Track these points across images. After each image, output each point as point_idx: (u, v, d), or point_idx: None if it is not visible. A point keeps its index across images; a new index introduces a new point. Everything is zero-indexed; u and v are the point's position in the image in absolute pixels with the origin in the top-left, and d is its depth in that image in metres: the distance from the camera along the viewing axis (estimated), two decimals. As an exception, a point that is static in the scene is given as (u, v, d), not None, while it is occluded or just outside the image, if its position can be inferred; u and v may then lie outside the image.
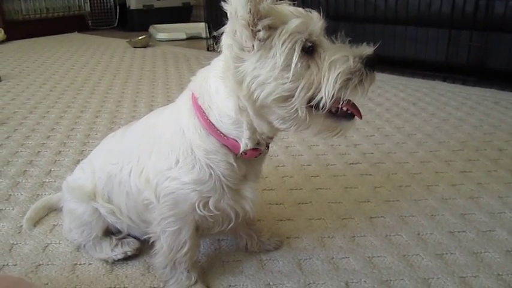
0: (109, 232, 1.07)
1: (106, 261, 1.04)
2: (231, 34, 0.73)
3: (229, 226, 0.92)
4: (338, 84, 0.73)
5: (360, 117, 0.79)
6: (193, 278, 0.95)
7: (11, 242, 1.13)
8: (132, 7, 4.54)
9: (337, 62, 0.73)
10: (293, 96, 0.73)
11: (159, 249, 0.93)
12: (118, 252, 1.03)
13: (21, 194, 1.35)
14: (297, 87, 0.73)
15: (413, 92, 2.34)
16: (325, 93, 0.73)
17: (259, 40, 0.71)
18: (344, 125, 0.79)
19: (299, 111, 0.74)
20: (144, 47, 3.65)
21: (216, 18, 3.31)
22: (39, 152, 1.66)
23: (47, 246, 1.11)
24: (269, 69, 0.72)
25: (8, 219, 1.22)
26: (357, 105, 0.80)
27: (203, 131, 0.82)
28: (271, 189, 1.36)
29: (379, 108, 2.10)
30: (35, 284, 0.84)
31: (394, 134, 1.78)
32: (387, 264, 1.03)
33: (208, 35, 3.47)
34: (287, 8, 0.75)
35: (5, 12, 4.09)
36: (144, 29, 4.37)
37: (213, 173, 0.83)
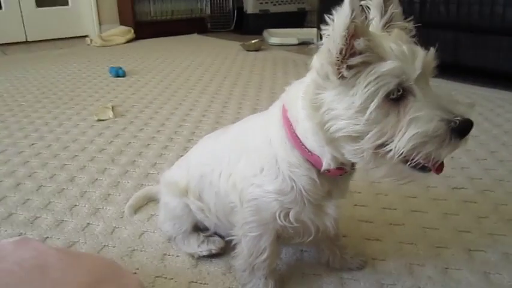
0: (197, 228, 1.13)
1: (192, 255, 1.09)
2: (319, 61, 0.71)
3: (309, 239, 0.90)
4: (410, 145, 0.67)
5: (438, 173, 0.72)
6: (270, 286, 0.96)
7: (114, 225, 1.24)
8: (249, 11, 4.70)
9: (419, 120, 0.67)
10: (362, 139, 0.70)
11: (239, 252, 0.95)
12: (204, 249, 1.08)
13: (128, 182, 1.48)
14: (368, 132, 0.69)
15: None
16: (395, 147, 0.68)
17: (343, 78, 0.68)
18: (415, 176, 0.72)
19: (364, 154, 0.71)
20: (257, 51, 3.76)
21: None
22: (148, 144, 1.80)
23: (142, 234, 1.20)
24: (345, 107, 0.69)
25: (114, 204, 1.34)
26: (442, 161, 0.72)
27: (288, 143, 0.82)
28: (363, 206, 1.31)
29: (497, 129, 1.90)
30: (125, 268, 0.92)
31: (510, 160, 1.60)
32: (482, 305, 0.93)
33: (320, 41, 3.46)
34: (390, 45, 0.69)
35: (135, 13, 4.51)
36: (259, 32, 4.49)
37: (295, 185, 0.83)
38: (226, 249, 1.10)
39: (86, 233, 1.20)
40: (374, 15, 0.78)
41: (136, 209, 1.31)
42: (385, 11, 0.77)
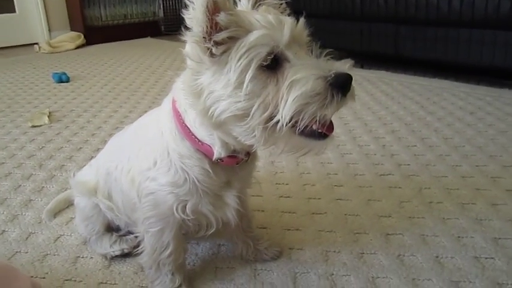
0: (111, 229, 1.09)
1: (105, 256, 1.06)
2: (189, 45, 0.70)
3: (211, 230, 0.89)
4: (294, 109, 0.66)
5: (330, 133, 0.71)
6: (177, 281, 0.93)
7: (30, 230, 1.19)
8: (202, 13, 4.68)
9: (298, 82, 0.66)
10: (248, 116, 0.68)
11: (143, 248, 0.93)
12: (116, 249, 1.05)
13: (53, 187, 1.43)
14: (251, 107, 0.67)
15: (475, 100, 2.14)
16: (281, 116, 0.67)
17: (213, 55, 0.67)
18: (312, 145, 0.71)
19: (256, 132, 0.69)
20: (207, 51, 3.74)
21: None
22: (80, 148, 1.75)
23: (58, 238, 1.15)
24: (223, 86, 0.68)
25: (34, 210, 1.29)
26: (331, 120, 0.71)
27: (178, 134, 0.80)
28: (288, 197, 1.31)
29: (430, 116, 1.94)
30: (22, 272, 0.88)
31: (439, 145, 1.63)
32: (391, 287, 0.93)
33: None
34: (255, 16, 0.69)
35: (86, 18, 4.42)
36: (213, 34, 4.47)
37: (187, 177, 0.81)
38: (143, 248, 1.08)
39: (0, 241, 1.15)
40: None
41: (56, 213, 1.26)
42: None
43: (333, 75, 0.66)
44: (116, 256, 1.05)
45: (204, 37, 0.66)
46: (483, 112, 1.97)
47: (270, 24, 0.68)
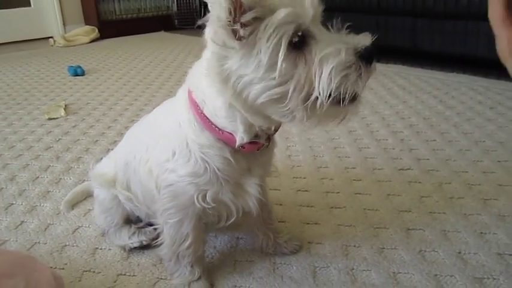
0: (130, 221, 1.09)
1: (124, 248, 1.06)
2: (212, 30, 0.67)
3: (232, 220, 0.88)
4: (335, 83, 0.65)
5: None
6: (196, 274, 0.93)
7: (48, 222, 1.20)
8: (215, 7, 4.66)
9: (329, 56, 0.66)
10: (285, 98, 0.67)
11: (163, 240, 0.93)
12: (134, 241, 1.05)
13: (70, 179, 1.44)
14: (287, 89, 0.66)
15: (495, 95, 2.10)
16: (319, 93, 0.66)
17: (240, 38, 0.65)
18: (350, 109, 0.71)
19: (295, 112, 0.69)
20: (221, 45, 3.72)
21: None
22: (97, 141, 1.75)
23: (77, 229, 1.16)
24: (253, 69, 0.66)
25: (52, 201, 1.30)
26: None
27: (197, 125, 0.79)
28: (306, 191, 1.30)
29: (449, 111, 1.91)
30: (43, 263, 0.88)
31: (459, 140, 1.60)
32: (413, 283, 0.92)
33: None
34: None
35: (100, 12, 4.43)
36: (226, 28, 4.45)
37: (208, 166, 0.80)
38: (161, 240, 1.07)
39: (18, 231, 1.16)
40: None
41: (74, 204, 1.27)
42: None
43: (363, 48, 0.66)
44: (135, 248, 1.05)
45: (229, 20, 0.64)
46: (503, 107, 1.93)
47: (293, 2, 0.66)
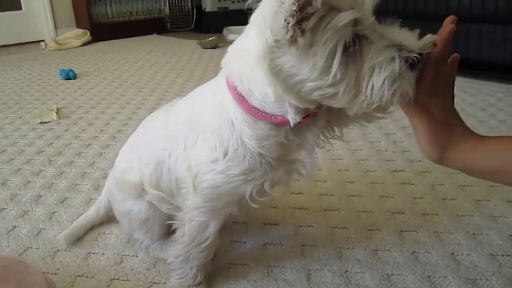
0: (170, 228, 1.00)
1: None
2: (268, 19, 0.62)
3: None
4: (381, 95, 0.64)
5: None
6: (198, 279, 0.92)
7: (40, 226, 1.19)
8: (208, 9, 4.67)
9: (382, 64, 0.64)
10: (336, 95, 0.66)
11: (179, 236, 0.90)
12: None
13: (62, 183, 1.43)
14: (338, 91, 0.65)
15: (486, 96, 2.12)
16: (367, 97, 0.65)
17: (299, 38, 0.61)
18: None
19: (347, 109, 0.69)
20: (213, 48, 3.73)
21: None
22: (89, 144, 1.74)
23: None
24: (308, 70, 0.64)
25: (44, 205, 1.29)
26: None
27: (250, 118, 0.76)
28: (300, 193, 1.30)
29: (441, 113, 1.92)
30: (36, 268, 0.87)
31: (451, 142, 1.61)
32: (406, 285, 0.92)
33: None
34: None
35: (92, 15, 4.41)
36: (219, 30, 4.45)
37: (263, 160, 0.78)
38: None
39: (10, 236, 1.15)
40: None
41: (77, 238, 1.14)
42: None
43: (413, 56, 0.64)
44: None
45: (288, 24, 0.60)
46: (494, 108, 1.95)
47: (354, 3, 0.63)
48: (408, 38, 0.66)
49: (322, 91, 0.66)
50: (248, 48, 0.70)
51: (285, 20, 0.59)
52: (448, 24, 0.72)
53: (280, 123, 0.76)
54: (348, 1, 0.62)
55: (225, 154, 0.78)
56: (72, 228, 1.14)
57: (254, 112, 0.75)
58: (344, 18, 0.61)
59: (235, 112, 0.77)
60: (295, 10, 0.58)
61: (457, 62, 0.75)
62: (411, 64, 0.64)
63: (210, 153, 0.80)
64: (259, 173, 0.79)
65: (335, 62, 0.62)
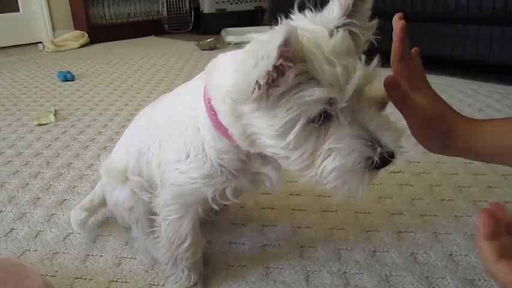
0: None
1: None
2: (235, 78, 0.61)
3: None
4: (331, 178, 0.62)
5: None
6: (193, 279, 0.92)
7: (39, 228, 1.18)
8: (206, 11, 4.67)
9: (340, 152, 0.61)
10: (288, 159, 0.65)
11: (160, 240, 0.91)
12: None
13: (61, 185, 1.42)
14: (291, 156, 0.64)
15: (483, 97, 2.12)
16: (317, 175, 0.63)
17: (267, 99, 0.60)
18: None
19: (292, 169, 0.67)
20: (212, 50, 3.73)
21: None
22: (87, 146, 1.74)
23: (68, 236, 1.15)
24: (266, 127, 0.63)
25: (42, 208, 1.29)
26: None
27: (215, 131, 0.77)
28: (298, 195, 1.30)
29: (439, 114, 1.92)
30: (34, 271, 0.87)
31: (449, 143, 1.62)
32: (405, 285, 0.92)
33: (273, 38, 3.45)
34: (323, 65, 0.58)
35: (89, 17, 4.41)
36: (217, 32, 4.45)
37: (224, 170, 0.79)
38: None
39: (8, 239, 1.14)
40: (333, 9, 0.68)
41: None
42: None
43: (378, 156, 0.60)
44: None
45: (255, 88, 0.58)
46: (492, 109, 1.95)
47: (335, 81, 0.59)
48: (378, 129, 0.62)
49: (275, 150, 0.65)
50: (223, 80, 0.69)
51: (256, 81, 0.57)
52: (398, 21, 0.73)
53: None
54: (329, 78, 0.58)
55: (187, 156, 0.80)
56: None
57: (220, 128, 0.75)
58: (314, 94, 0.58)
59: (203, 121, 0.78)
60: (268, 75, 0.56)
61: (418, 54, 0.77)
62: (376, 165, 0.61)
63: (175, 152, 0.82)
64: (219, 180, 0.80)
65: (292, 132, 0.61)
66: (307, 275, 0.96)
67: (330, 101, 0.59)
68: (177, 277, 0.93)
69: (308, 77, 0.59)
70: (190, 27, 5.01)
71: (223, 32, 4.41)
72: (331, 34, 0.63)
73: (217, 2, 4.67)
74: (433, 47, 2.48)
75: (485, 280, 0.93)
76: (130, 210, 1.01)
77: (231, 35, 4.23)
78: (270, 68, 0.55)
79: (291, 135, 0.61)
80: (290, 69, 0.56)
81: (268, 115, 0.62)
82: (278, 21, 0.60)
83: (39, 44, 4.19)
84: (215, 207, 0.86)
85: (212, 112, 0.75)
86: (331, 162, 0.62)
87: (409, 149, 1.57)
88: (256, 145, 0.69)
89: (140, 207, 0.99)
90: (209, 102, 0.76)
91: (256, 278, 0.96)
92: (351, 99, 0.61)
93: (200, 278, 0.94)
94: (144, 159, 0.94)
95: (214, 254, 1.05)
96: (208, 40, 3.77)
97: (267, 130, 0.63)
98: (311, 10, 0.69)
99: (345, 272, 0.97)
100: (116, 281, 0.97)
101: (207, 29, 4.65)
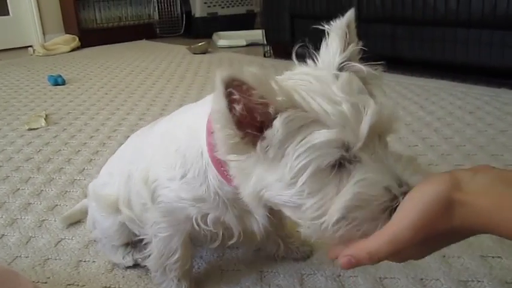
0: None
1: (118, 265, 1.02)
2: (219, 131, 0.58)
3: (231, 242, 0.84)
4: (343, 207, 0.55)
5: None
6: (183, 287, 0.92)
7: (30, 234, 1.17)
8: (197, 15, 4.67)
9: (362, 182, 0.55)
10: (299, 209, 0.59)
11: (150, 252, 0.91)
12: (128, 260, 1.01)
13: (52, 190, 1.41)
14: (304, 204, 0.58)
15: (473, 100, 2.14)
16: (329, 214, 0.56)
17: (266, 148, 0.57)
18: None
19: (301, 222, 0.60)
20: (203, 53, 3.73)
21: (273, 25, 3.29)
22: (79, 151, 1.73)
23: (59, 242, 1.13)
24: (277, 179, 0.58)
25: (33, 213, 1.27)
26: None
27: (218, 177, 0.73)
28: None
29: (430, 116, 1.94)
30: (25, 278, 0.86)
31: (440, 145, 1.63)
32: None
33: (265, 42, 3.46)
34: (323, 105, 0.55)
35: (80, 21, 4.39)
36: (209, 36, 4.46)
37: (218, 197, 0.76)
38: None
39: (-1, 245, 1.13)
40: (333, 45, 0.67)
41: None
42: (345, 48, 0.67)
43: (401, 196, 0.54)
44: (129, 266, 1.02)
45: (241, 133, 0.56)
46: (482, 111, 1.97)
47: (344, 120, 0.54)
48: (406, 171, 0.56)
49: (286, 198, 0.59)
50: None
51: (229, 139, 0.56)
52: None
53: None
54: (335, 118, 0.54)
55: (183, 176, 0.76)
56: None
57: (217, 165, 0.72)
58: (322, 136, 0.54)
59: (205, 147, 0.74)
60: (235, 126, 0.55)
61: None
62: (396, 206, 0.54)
63: (168, 169, 0.78)
64: (207, 205, 0.77)
65: (302, 178, 0.56)
66: (302, 279, 0.96)
67: (344, 145, 0.55)
68: (167, 285, 0.92)
69: (310, 121, 0.55)
70: (182, 31, 5.00)
71: (214, 36, 4.41)
72: (336, 77, 0.61)
73: (209, 6, 4.68)
74: (423, 51, 2.51)
75: (479, 281, 0.93)
76: (110, 236, 1.01)
77: (222, 38, 4.23)
78: (231, 121, 0.54)
79: (301, 181, 0.56)
80: (276, 117, 0.54)
81: (279, 165, 0.58)
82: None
83: (30, 48, 4.17)
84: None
85: (211, 146, 0.69)
86: (350, 191, 0.55)
87: (401, 151, 1.58)
88: (265, 200, 0.62)
89: (122, 235, 1.00)
90: (210, 138, 0.69)
91: (251, 282, 0.96)
92: (372, 138, 0.56)
93: (191, 285, 0.94)
94: (132, 182, 0.89)
95: (209, 258, 1.05)
96: (200, 44, 3.77)
97: (280, 181, 0.58)
98: (309, 54, 0.68)
99: (339, 275, 0.97)
100: (109, 287, 0.96)
101: (199, 33, 4.66)
